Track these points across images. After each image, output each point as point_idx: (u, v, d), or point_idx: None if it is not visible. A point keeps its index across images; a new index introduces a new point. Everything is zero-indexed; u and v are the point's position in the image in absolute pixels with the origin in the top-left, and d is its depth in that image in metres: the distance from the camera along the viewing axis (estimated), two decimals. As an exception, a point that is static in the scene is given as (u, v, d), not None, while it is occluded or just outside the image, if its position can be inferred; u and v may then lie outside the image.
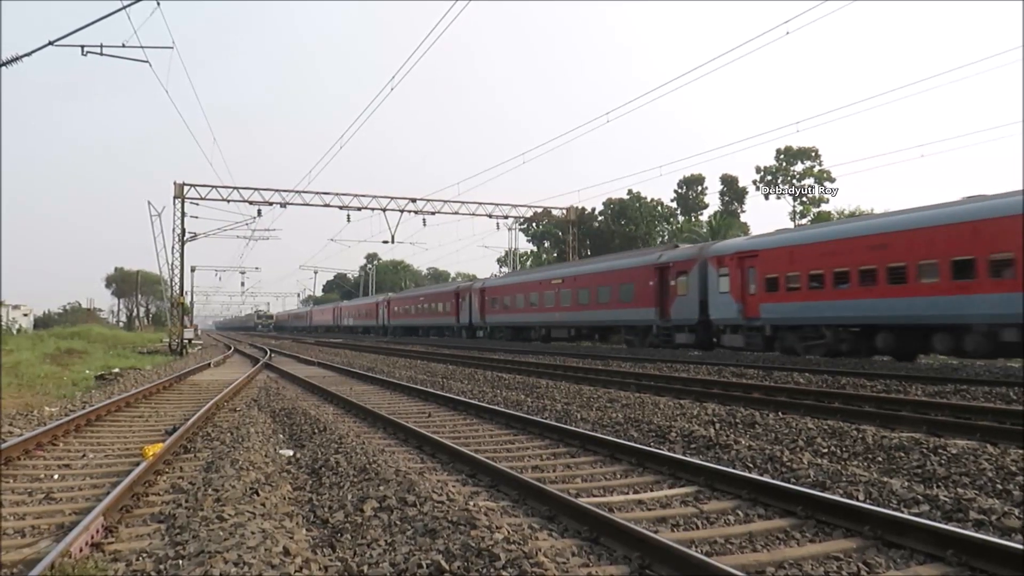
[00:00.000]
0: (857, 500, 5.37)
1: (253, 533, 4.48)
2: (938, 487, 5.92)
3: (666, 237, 66.97)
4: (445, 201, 43.64)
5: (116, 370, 22.20)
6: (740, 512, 5.36)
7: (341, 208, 42.37)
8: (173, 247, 40.00)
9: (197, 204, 39.97)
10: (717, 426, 9.16)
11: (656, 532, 4.64)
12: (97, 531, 4.81)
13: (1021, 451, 7.02)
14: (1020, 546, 4.02)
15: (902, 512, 5.01)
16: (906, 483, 5.97)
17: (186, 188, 39.49)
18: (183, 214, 39.71)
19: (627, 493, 6.08)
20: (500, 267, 79.58)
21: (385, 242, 44.35)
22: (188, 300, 48.37)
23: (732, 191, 68.25)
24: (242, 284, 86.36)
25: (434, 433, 8.80)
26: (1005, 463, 6.36)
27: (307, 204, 42.16)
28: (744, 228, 59.45)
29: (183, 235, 39.89)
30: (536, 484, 5.81)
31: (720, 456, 7.41)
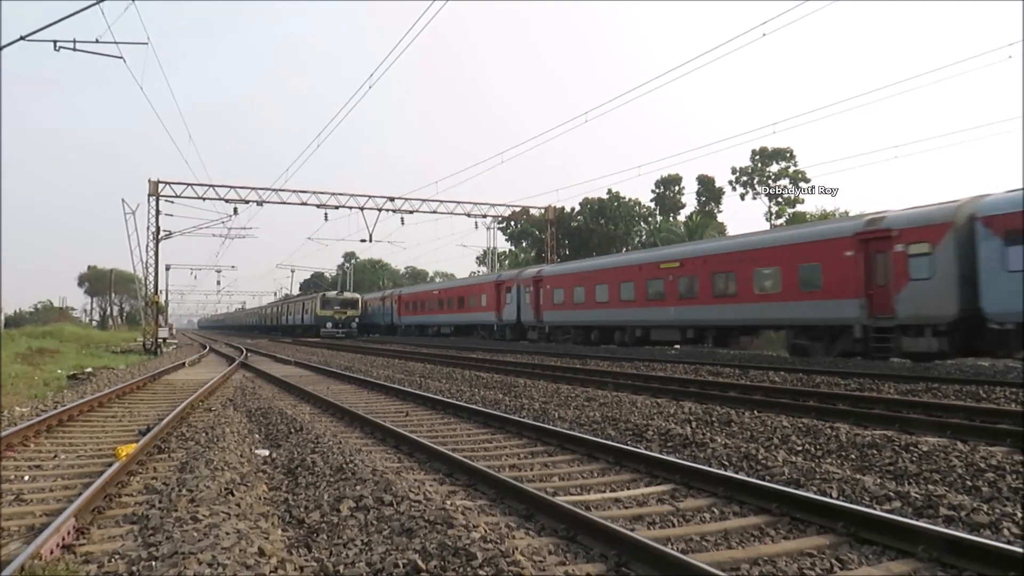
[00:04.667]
0: (831, 497, 5.44)
1: (228, 534, 4.44)
2: (909, 484, 6.01)
3: (644, 237, 67.23)
4: (423, 200, 43.55)
5: (89, 370, 21.92)
6: (716, 510, 5.41)
7: (319, 207, 42.12)
8: (147, 245, 39.55)
9: (172, 202, 39.54)
10: (693, 424, 9.22)
11: (633, 530, 4.66)
12: (69, 533, 4.75)
13: (990, 448, 7.15)
14: (988, 541, 4.10)
15: (874, 509, 5.07)
16: (878, 480, 6.04)
17: (161, 185, 39.04)
18: (158, 212, 39.27)
19: (604, 491, 6.11)
20: (479, 266, 79.55)
21: (363, 241, 44.17)
22: (163, 299, 47.86)
23: (709, 191, 68.65)
24: (218, 283, 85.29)
25: (411, 432, 8.77)
26: (974, 460, 6.46)
27: (284, 203, 41.89)
28: (721, 228, 59.88)
29: (158, 233, 39.46)
30: (513, 483, 5.81)
31: (696, 454, 7.46)
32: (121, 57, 19.43)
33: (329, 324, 57.77)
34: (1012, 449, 7.27)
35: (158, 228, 39.44)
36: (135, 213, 39.29)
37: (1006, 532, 4.63)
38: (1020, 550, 3.88)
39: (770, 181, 64.08)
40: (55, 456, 7.96)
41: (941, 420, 8.86)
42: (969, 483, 5.93)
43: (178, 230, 42.11)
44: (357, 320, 59.97)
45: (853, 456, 7.13)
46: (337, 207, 42.35)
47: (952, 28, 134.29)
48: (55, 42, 18.88)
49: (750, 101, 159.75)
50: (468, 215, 45.60)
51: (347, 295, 62.80)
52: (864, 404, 10.61)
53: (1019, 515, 4.89)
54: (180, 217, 67.51)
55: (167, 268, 61.96)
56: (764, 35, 21.36)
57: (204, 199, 39.82)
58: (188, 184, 39.31)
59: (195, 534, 4.48)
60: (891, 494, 5.50)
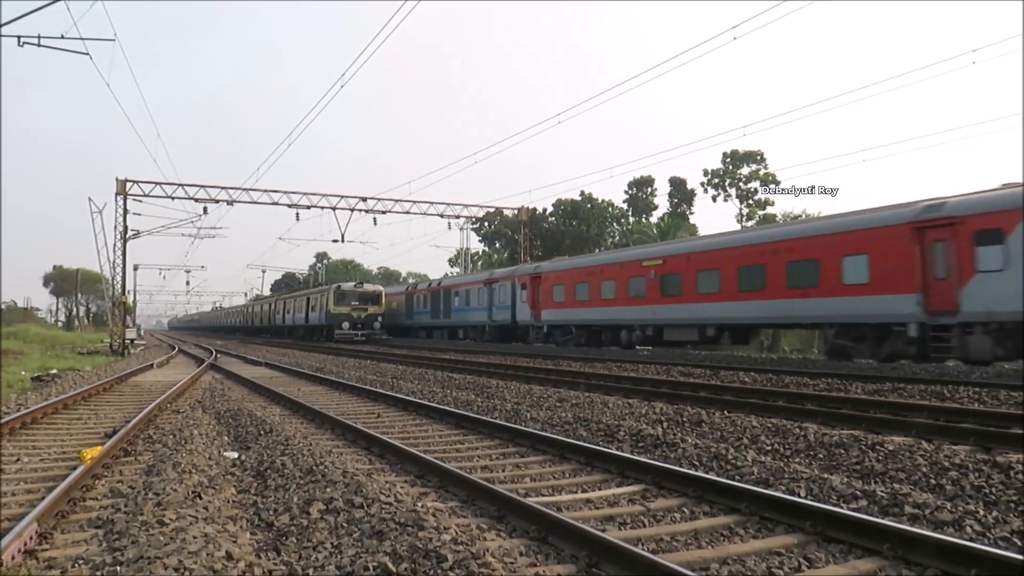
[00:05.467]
0: (799, 496, 5.50)
1: (195, 538, 4.38)
2: (876, 482, 6.09)
3: (617, 238, 67.58)
4: (396, 200, 43.43)
5: (54, 371, 21.53)
6: (686, 510, 5.44)
7: (290, 207, 41.85)
8: (115, 245, 39.03)
9: (140, 201, 39.04)
10: (665, 425, 9.28)
11: (604, 531, 4.68)
12: (31, 538, 4.65)
13: (953, 447, 7.28)
14: (951, 539, 4.17)
15: (841, 507, 5.14)
16: (845, 479, 6.12)
17: (129, 184, 38.50)
18: (125, 211, 38.76)
19: (575, 492, 6.12)
20: (452, 267, 79.34)
21: (335, 241, 43.93)
22: (131, 299, 47.22)
23: (681, 193, 69.20)
24: (187, 283, 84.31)
25: (383, 434, 8.73)
26: (939, 459, 6.58)
27: (255, 202, 41.54)
28: (693, 230, 60.37)
29: (125, 233, 38.93)
30: (485, 484, 5.80)
31: (667, 454, 7.51)
32: (87, 53, 19.23)
33: (346, 324, 45.65)
34: (975, 448, 7.42)
35: (126, 227, 38.95)
36: (102, 212, 38.80)
37: (968, 529, 4.71)
38: (980, 547, 3.96)
39: (741, 183, 64.79)
40: (18, 460, 7.79)
41: (907, 420, 9.00)
42: (933, 481, 6.03)
43: (146, 230, 41.67)
44: (380, 318, 47.79)
45: (821, 455, 7.22)
46: (309, 207, 42.11)
47: (919, 34, 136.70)
48: (19, 37, 18.61)
49: (721, 104, 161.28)
50: (441, 216, 45.57)
51: (368, 287, 49.68)
52: (832, 404, 10.75)
53: (981, 512, 4.98)
54: (149, 216, 66.41)
55: (135, 268, 61.27)
56: (735, 39, 21.59)
57: (173, 198, 39.39)
58: (157, 183, 38.84)
59: (161, 538, 4.41)
60: (858, 493, 5.57)
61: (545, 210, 68.23)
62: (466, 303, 41.72)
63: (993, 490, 5.65)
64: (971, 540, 4.41)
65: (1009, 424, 8.53)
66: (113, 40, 20.19)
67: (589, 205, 68.29)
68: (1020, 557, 3.80)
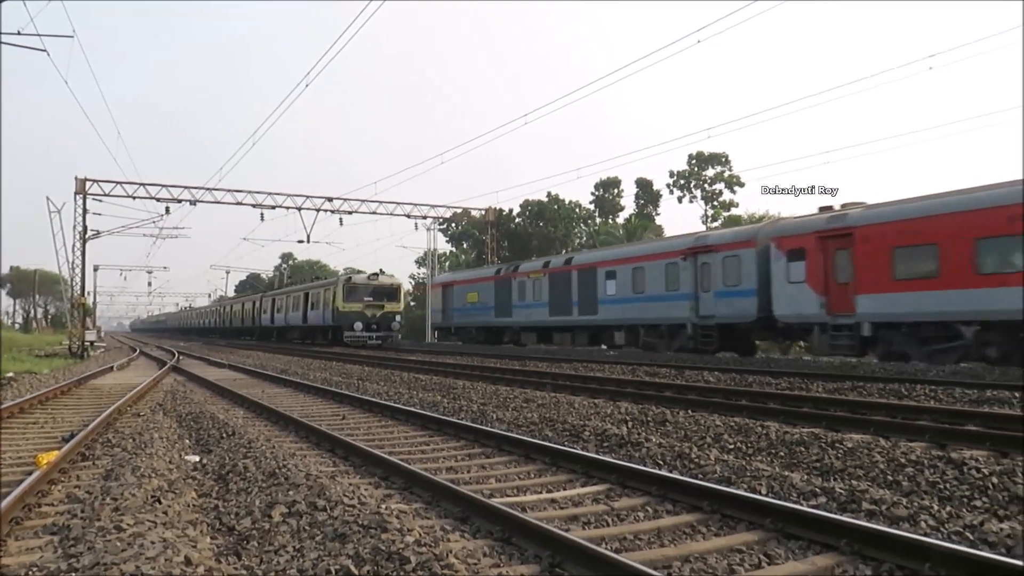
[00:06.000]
0: (760, 494, 5.56)
1: (153, 543, 4.31)
2: (834, 479, 6.20)
3: (584, 239, 67.84)
4: (362, 200, 43.19)
5: (10, 374, 21.01)
6: (650, 508, 5.48)
7: (254, 207, 41.41)
8: (74, 245, 38.27)
9: (100, 201, 38.33)
10: (629, 424, 9.34)
11: (567, 531, 4.69)
12: (-18, 545, 4.54)
13: (910, 444, 7.44)
14: (906, 534, 4.26)
15: (801, 505, 5.22)
16: (805, 476, 6.22)
17: (88, 184, 37.78)
18: (85, 211, 38.05)
19: (540, 492, 6.13)
20: (419, 268, 78.93)
21: (300, 241, 43.56)
22: (91, 301, 46.34)
23: (647, 194, 69.70)
24: (149, 284, 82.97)
25: (347, 436, 8.67)
26: (896, 455, 6.71)
27: (219, 202, 41.03)
28: (659, 231, 60.82)
29: (85, 233, 38.22)
30: (450, 485, 5.79)
31: (632, 454, 7.56)
32: (44, 50, 18.80)
33: (358, 325, 37.49)
34: (930, 444, 7.58)
35: (85, 227, 38.26)
36: (60, 212, 38.03)
37: (923, 525, 4.81)
38: (934, 541, 4.05)
39: (706, 185, 65.45)
40: (-30, 465, 7.60)
41: (865, 417, 9.17)
42: (890, 478, 6.15)
43: (107, 230, 40.87)
44: (399, 317, 39.89)
45: (782, 453, 7.32)
46: (274, 207, 41.75)
47: (879, 39, 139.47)
48: (-27, 33, 18.16)
49: (686, 106, 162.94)
50: (408, 216, 45.45)
51: (384, 280, 40.11)
52: (793, 403, 10.91)
53: (936, 508, 5.09)
54: (109, 216, 65.02)
55: (95, 269, 60.07)
56: (699, 41, 21.82)
57: (134, 198, 38.77)
58: (117, 182, 38.17)
59: (118, 544, 4.32)
60: (817, 490, 5.66)
61: (512, 211, 68.29)
62: (632, 289, 26.07)
63: (947, 486, 5.78)
64: (926, 535, 4.50)
65: (963, 421, 8.75)
66: (72, 37, 19.84)
67: (556, 206, 68.47)
68: (973, 551, 3.90)
